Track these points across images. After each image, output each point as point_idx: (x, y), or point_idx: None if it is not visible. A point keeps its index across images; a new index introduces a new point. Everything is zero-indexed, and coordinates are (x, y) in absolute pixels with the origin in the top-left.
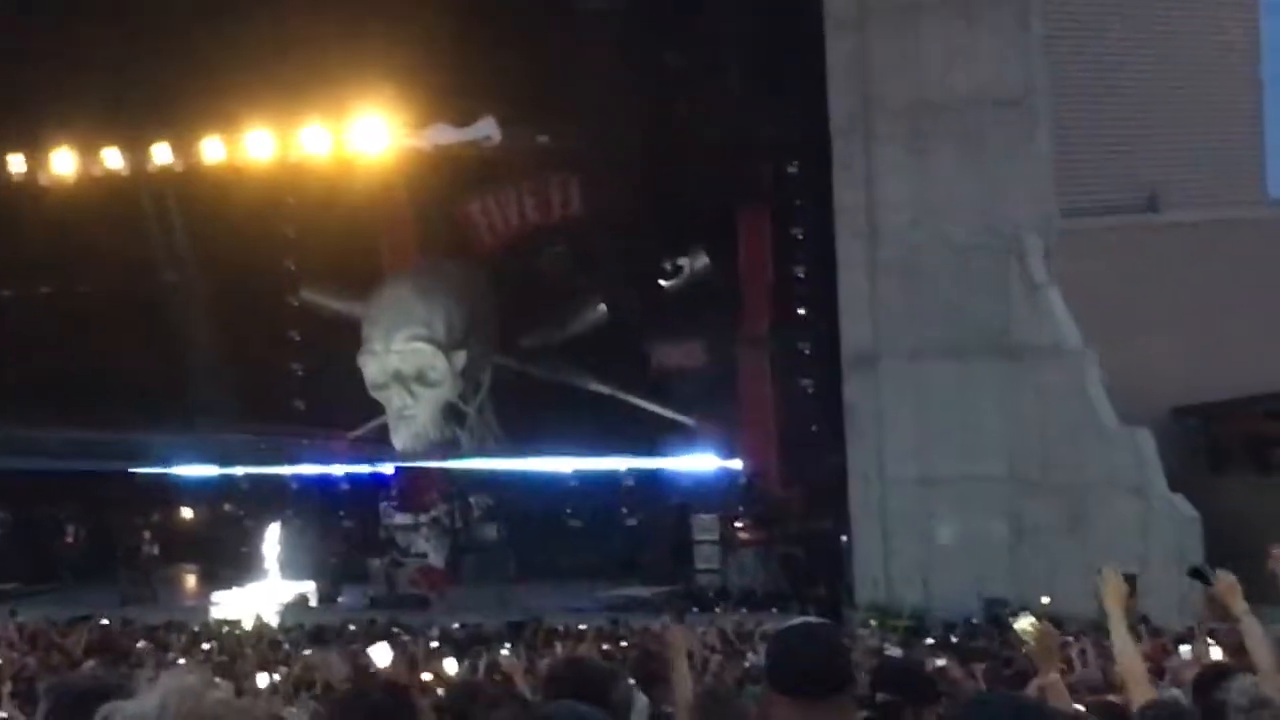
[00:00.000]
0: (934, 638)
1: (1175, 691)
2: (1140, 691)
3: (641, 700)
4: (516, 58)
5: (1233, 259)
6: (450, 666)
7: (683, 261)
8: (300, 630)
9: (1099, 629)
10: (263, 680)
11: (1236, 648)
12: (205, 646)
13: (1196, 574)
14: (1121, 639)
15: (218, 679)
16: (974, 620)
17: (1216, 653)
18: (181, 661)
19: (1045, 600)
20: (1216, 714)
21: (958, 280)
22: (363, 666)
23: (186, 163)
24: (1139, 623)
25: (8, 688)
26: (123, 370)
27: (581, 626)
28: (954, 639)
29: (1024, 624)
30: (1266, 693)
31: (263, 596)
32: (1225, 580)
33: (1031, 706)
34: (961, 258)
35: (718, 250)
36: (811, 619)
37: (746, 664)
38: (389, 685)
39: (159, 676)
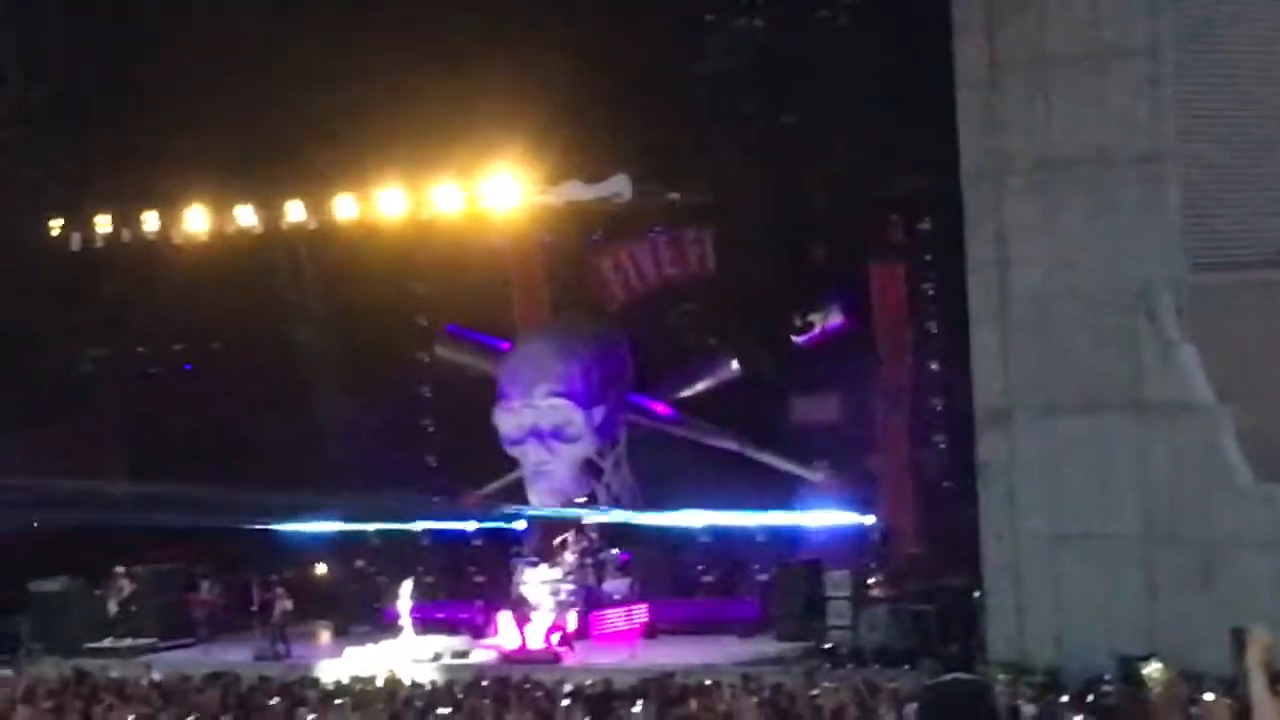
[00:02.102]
0: (1068, 694)
1: None
2: None
3: None
4: (645, 116)
5: None
6: None
7: (814, 317)
8: (432, 687)
9: (1233, 686)
10: None
11: None
12: (338, 702)
13: None
14: (1259, 697)
15: None
16: (1107, 677)
17: None
18: (313, 718)
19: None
20: None
21: (1090, 336)
22: None
23: (319, 220)
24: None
25: None
26: (254, 426)
27: (709, 683)
28: (1089, 697)
29: (1152, 669)
30: None
31: (395, 653)
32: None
33: None
34: (1093, 313)
35: (851, 305)
36: (961, 675)
37: None
38: None
39: None
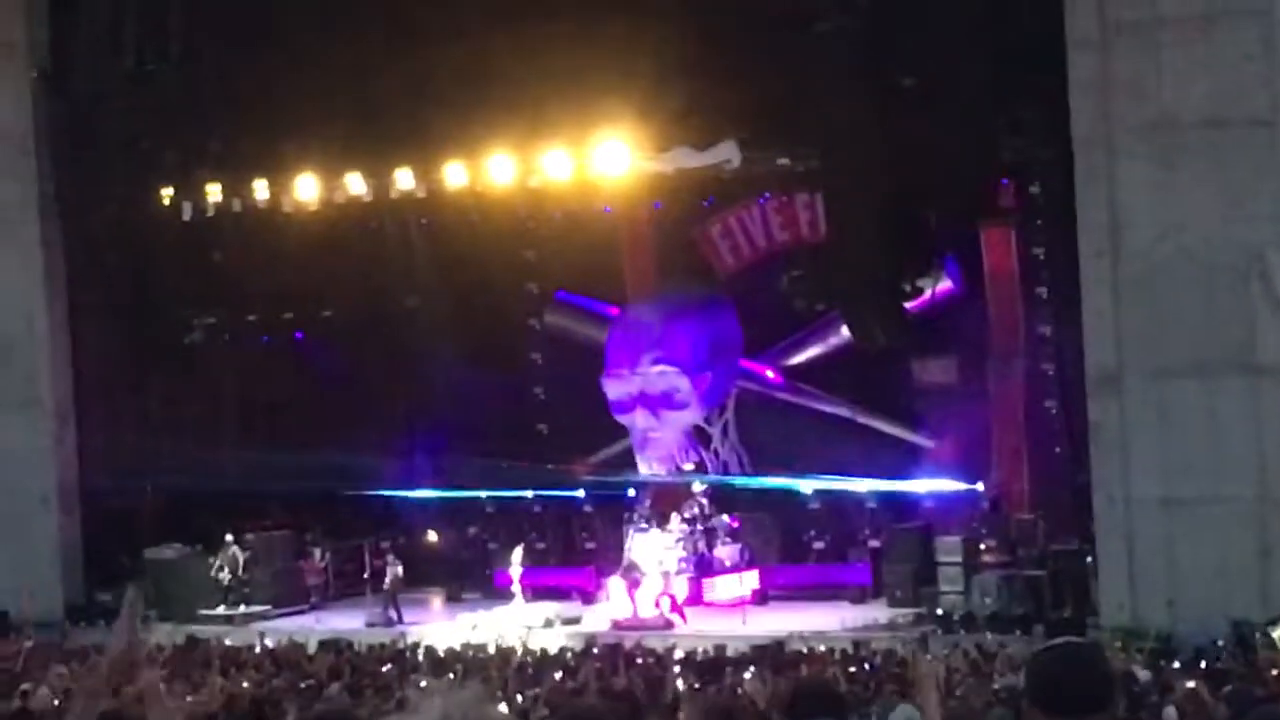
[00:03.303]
0: (1181, 660)
1: None
2: None
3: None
4: (754, 81)
5: None
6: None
7: (924, 282)
8: (544, 653)
9: None
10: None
11: None
12: (451, 669)
13: None
14: None
15: None
16: (1220, 642)
17: None
18: (425, 684)
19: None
20: None
21: (1201, 299)
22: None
23: (429, 188)
24: None
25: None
26: (365, 394)
27: (822, 649)
28: (1203, 662)
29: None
30: None
31: (507, 620)
32: None
33: None
34: (1205, 276)
35: (962, 270)
36: (1074, 639)
37: (994, 686)
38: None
39: (434, 691)
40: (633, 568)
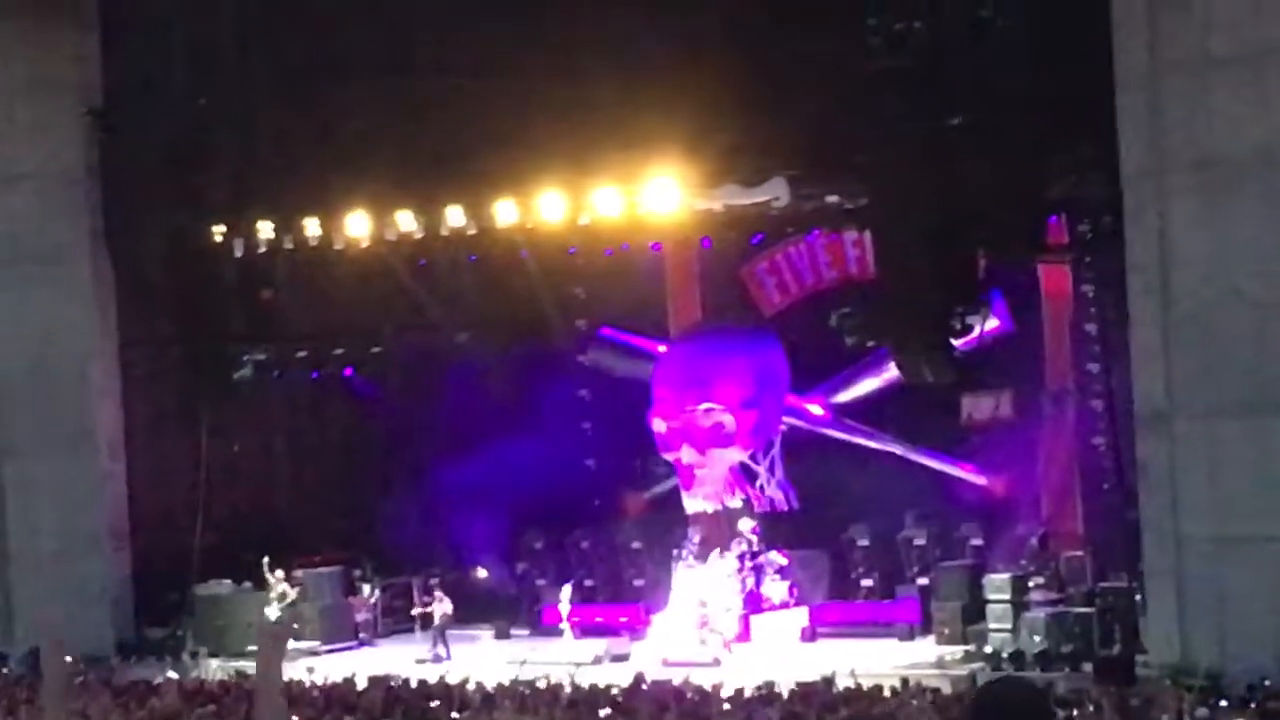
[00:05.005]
0: (1231, 698)
1: None
2: None
3: None
4: (803, 119)
5: None
6: None
7: (973, 320)
8: (592, 690)
9: None
10: None
11: None
12: (500, 705)
13: None
14: None
15: None
16: (1269, 681)
17: None
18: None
19: None
20: None
21: (1252, 337)
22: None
23: (479, 225)
24: None
25: None
26: (414, 430)
27: (870, 685)
28: (1253, 701)
29: None
30: None
31: (556, 656)
32: None
33: None
34: (1255, 314)
35: (1011, 308)
36: (1014, 675)
37: None
38: None
39: None
40: (681, 604)
